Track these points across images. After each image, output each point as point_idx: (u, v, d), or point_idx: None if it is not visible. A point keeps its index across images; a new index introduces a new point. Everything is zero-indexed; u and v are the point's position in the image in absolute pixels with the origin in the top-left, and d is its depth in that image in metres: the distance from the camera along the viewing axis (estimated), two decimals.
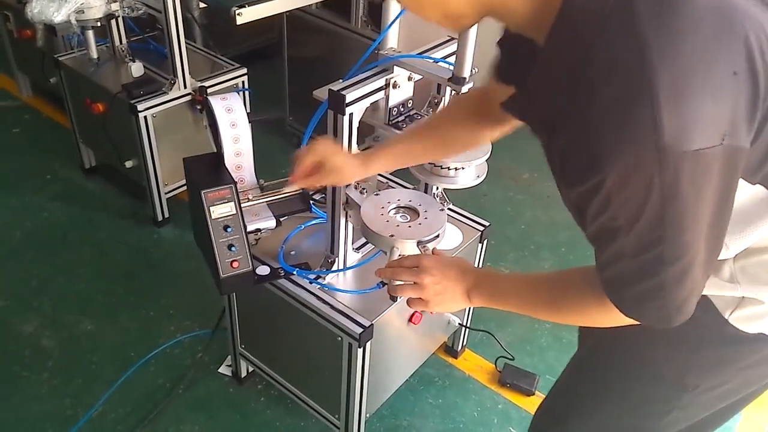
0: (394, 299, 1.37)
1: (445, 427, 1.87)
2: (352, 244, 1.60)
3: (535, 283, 1.06)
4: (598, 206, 0.75)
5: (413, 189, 1.61)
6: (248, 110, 2.62)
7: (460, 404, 1.93)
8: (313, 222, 1.73)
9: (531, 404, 1.94)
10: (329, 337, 1.49)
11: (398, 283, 1.11)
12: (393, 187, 1.73)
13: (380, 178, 1.80)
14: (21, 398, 1.89)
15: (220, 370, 1.99)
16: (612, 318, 0.89)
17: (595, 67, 0.70)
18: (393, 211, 1.32)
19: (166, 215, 2.56)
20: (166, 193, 2.52)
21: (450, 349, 2.07)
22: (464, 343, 2.06)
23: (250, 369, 1.92)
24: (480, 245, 1.79)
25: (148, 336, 2.09)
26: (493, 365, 2.04)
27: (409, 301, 1.13)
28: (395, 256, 1.24)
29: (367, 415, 1.67)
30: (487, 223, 1.79)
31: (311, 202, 1.68)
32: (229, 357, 1.95)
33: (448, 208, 1.82)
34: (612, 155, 0.69)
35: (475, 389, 1.98)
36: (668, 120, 0.65)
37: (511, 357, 2.04)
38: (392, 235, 1.24)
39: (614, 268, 0.81)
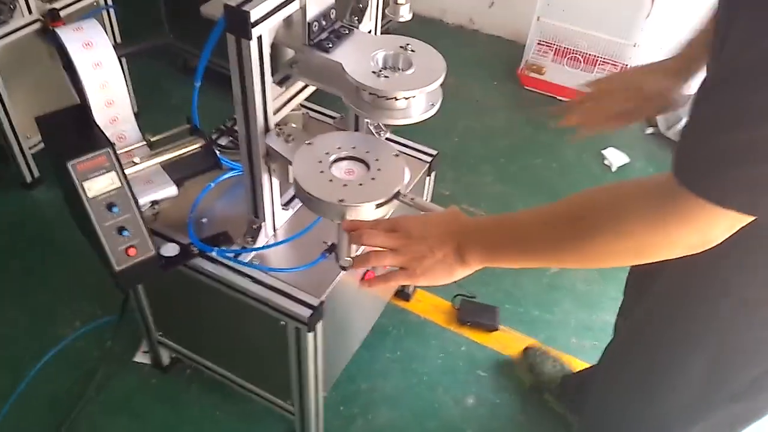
0: (344, 269, 1.09)
1: (408, 382, 1.67)
2: (280, 199, 1.28)
3: (544, 210, 0.79)
4: None
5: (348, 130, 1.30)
6: (117, 39, 2.14)
7: (420, 353, 1.73)
8: (225, 176, 1.39)
9: (496, 341, 1.77)
10: (269, 322, 1.21)
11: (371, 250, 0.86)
12: (325, 132, 1.41)
13: (309, 112, 1.47)
14: None
15: (136, 359, 1.67)
16: (676, 235, 0.67)
17: None
18: (335, 166, 1.01)
19: (36, 174, 2.11)
20: (30, 148, 2.05)
21: (401, 293, 1.84)
22: None
23: (173, 356, 1.61)
24: (428, 179, 1.52)
25: (41, 329, 1.72)
26: (450, 303, 1.84)
27: (385, 277, 0.88)
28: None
29: (325, 394, 1.43)
30: (434, 152, 1.51)
31: (218, 152, 1.34)
32: (145, 341, 1.64)
33: (386, 138, 1.52)
34: None
35: (433, 333, 1.78)
36: None
37: (471, 296, 1.84)
38: (342, 200, 0.94)
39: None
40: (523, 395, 1.65)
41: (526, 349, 1.71)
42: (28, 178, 2.10)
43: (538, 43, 2.65)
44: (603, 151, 2.37)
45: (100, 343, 1.69)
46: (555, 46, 2.63)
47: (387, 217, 0.98)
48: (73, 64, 1.11)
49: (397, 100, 1.06)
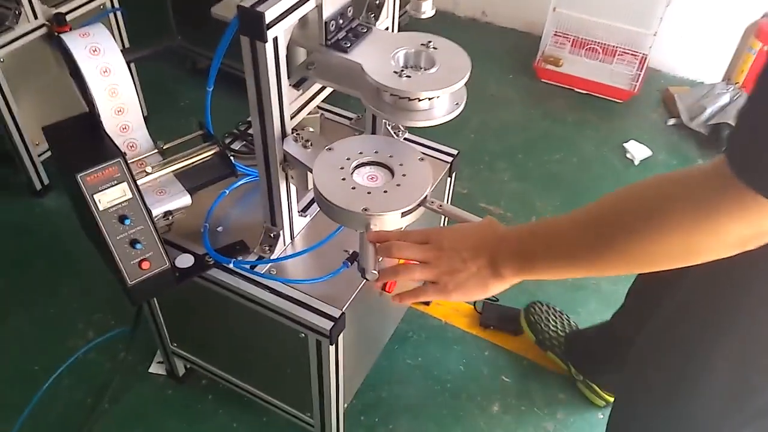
0: (365, 275, 1.04)
1: (430, 390, 1.61)
2: (297, 206, 1.23)
3: (581, 212, 0.73)
4: None
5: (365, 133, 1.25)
6: (125, 43, 2.10)
7: (442, 359, 1.68)
8: (239, 183, 1.34)
9: (521, 345, 1.71)
10: (288, 334, 1.16)
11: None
12: (341, 133, 1.36)
13: (325, 114, 1.42)
14: None
15: (151, 370, 1.63)
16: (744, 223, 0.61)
17: None
18: (357, 172, 0.95)
19: (46, 181, 2.07)
20: (39, 155, 2.01)
21: None
22: None
23: (189, 366, 1.57)
24: (449, 179, 1.47)
25: (53, 341, 1.68)
26: (471, 306, 1.79)
27: (414, 292, 0.85)
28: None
29: (346, 405, 1.38)
30: (455, 151, 1.45)
31: (231, 157, 1.29)
32: (159, 352, 1.59)
33: (404, 138, 1.47)
34: None
35: (455, 338, 1.73)
36: None
37: (493, 299, 1.78)
38: (366, 209, 0.89)
39: None
40: (552, 401, 1.60)
41: (527, 307, 1.71)
42: (38, 186, 2.06)
43: (555, 35, 2.58)
44: (624, 144, 2.30)
45: (114, 354, 1.65)
46: (572, 37, 2.56)
47: (410, 225, 0.93)
48: (80, 71, 1.07)
49: (420, 100, 1.01)
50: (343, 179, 0.93)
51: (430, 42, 1.06)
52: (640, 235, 0.66)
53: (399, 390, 1.61)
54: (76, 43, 1.07)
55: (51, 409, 1.55)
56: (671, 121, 2.42)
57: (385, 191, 0.92)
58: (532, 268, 0.77)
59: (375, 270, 0.85)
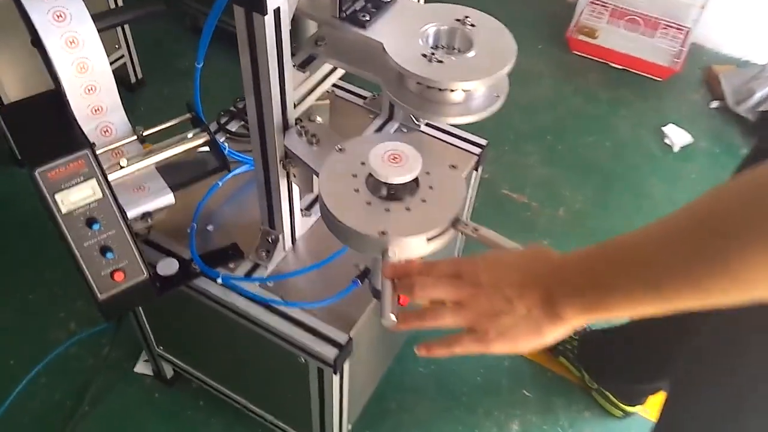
0: (377, 296, 0.88)
1: (445, 404, 1.46)
2: (299, 203, 1.05)
3: (675, 217, 0.53)
4: None
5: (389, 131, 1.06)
6: (117, 2, 1.88)
7: (457, 369, 1.52)
8: (235, 173, 1.16)
9: (543, 355, 1.55)
10: (287, 356, 1.00)
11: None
12: (354, 115, 1.18)
13: (336, 91, 1.23)
14: None
15: (136, 369, 1.48)
16: None
17: None
18: (374, 183, 0.77)
19: None
20: None
21: None
22: None
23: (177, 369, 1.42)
24: (475, 174, 1.28)
25: (31, 331, 1.54)
26: None
27: (447, 342, 0.66)
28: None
29: (350, 427, 1.23)
30: (484, 142, 1.26)
31: (226, 144, 1.11)
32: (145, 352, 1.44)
33: (425, 124, 1.28)
34: None
35: None
36: None
37: None
38: (383, 232, 0.71)
39: None
40: (578, 420, 1.45)
41: None
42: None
43: (591, 3, 2.35)
44: (663, 128, 2.09)
45: (97, 349, 1.50)
46: (611, 7, 2.32)
47: (435, 251, 0.75)
48: (42, 42, 0.88)
49: (452, 91, 0.82)
50: (356, 190, 0.75)
51: (467, 17, 0.87)
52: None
53: (409, 401, 1.46)
54: (35, 6, 0.88)
55: (26, 410, 1.41)
56: (714, 104, 2.20)
57: (408, 208, 0.74)
58: (604, 304, 0.57)
59: (393, 313, 0.68)
